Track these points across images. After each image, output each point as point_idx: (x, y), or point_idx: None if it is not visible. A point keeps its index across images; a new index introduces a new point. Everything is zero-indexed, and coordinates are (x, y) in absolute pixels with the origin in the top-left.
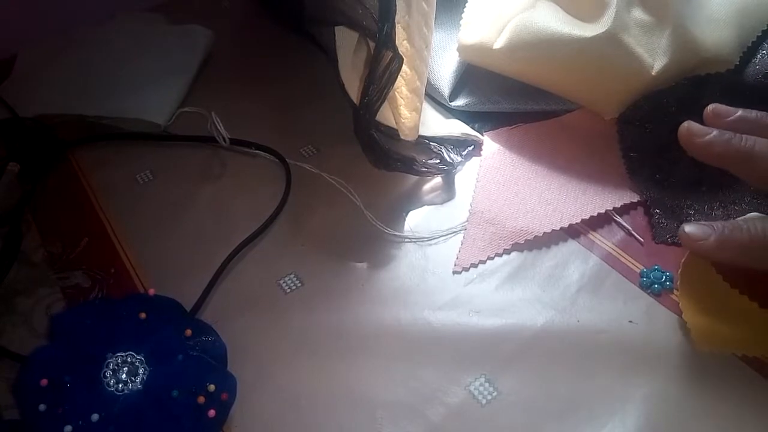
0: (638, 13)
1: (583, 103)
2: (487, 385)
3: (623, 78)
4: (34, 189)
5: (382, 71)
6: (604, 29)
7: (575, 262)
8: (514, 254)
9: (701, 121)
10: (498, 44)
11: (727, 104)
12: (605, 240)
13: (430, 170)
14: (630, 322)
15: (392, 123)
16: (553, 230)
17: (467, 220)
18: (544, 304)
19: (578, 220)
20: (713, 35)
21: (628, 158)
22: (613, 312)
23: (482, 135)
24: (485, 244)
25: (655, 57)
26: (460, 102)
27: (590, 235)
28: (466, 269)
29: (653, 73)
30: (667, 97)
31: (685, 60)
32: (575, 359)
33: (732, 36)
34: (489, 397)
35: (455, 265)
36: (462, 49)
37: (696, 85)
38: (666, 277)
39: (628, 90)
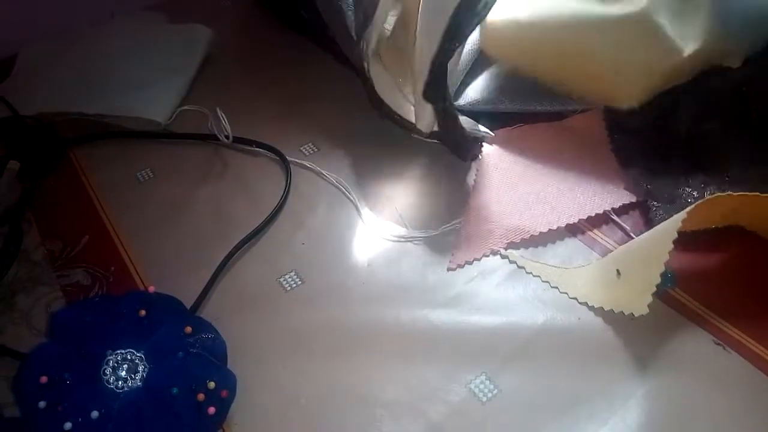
0: None
1: (602, 93)
2: (487, 383)
3: (652, 60)
4: (34, 187)
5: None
6: (638, 8)
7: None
8: (514, 252)
9: (688, 120)
10: (525, 20)
11: (713, 101)
12: (607, 238)
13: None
14: (632, 320)
15: (412, 117)
16: (549, 230)
17: (463, 218)
18: (545, 302)
19: (575, 220)
20: (739, 24)
21: (620, 155)
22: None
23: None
24: (481, 242)
25: (686, 41)
26: (463, 102)
27: (592, 234)
28: (461, 266)
29: (683, 57)
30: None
31: (714, 46)
32: (576, 357)
33: (755, 28)
34: (489, 395)
35: (450, 262)
36: (485, 32)
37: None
38: (668, 276)
39: (656, 73)
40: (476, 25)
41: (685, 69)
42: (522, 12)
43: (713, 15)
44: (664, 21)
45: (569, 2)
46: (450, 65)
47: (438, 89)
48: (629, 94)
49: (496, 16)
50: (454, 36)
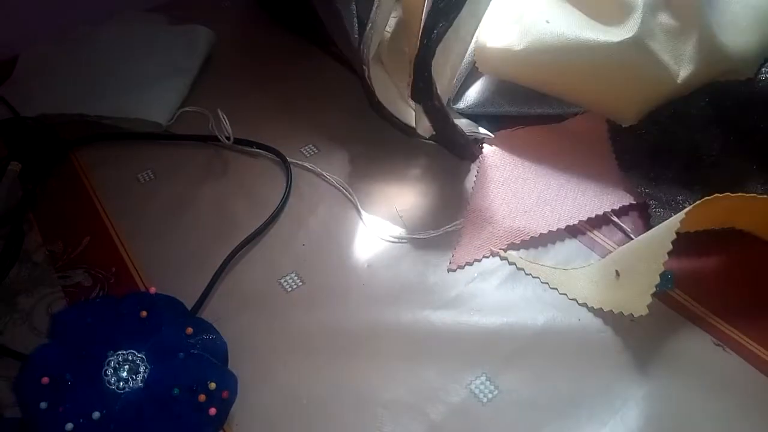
0: (664, 19)
1: (601, 110)
2: (488, 383)
3: (648, 85)
4: (35, 188)
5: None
6: (631, 35)
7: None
8: (514, 253)
9: (690, 130)
10: (519, 47)
11: (714, 113)
12: (607, 239)
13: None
14: (631, 320)
15: (411, 121)
16: (549, 231)
17: (464, 219)
18: (545, 302)
19: (575, 221)
20: (737, 43)
21: (622, 159)
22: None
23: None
24: (481, 243)
25: (681, 64)
26: (462, 105)
27: (592, 235)
28: (461, 267)
29: (679, 81)
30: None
31: (710, 68)
32: (576, 358)
33: (754, 44)
34: (490, 396)
35: (450, 263)
36: (480, 52)
37: (687, 95)
38: (667, 277)
39: (652, 97)
40: (450, 22)
41: (683, 89)
42: (514, 39)
43: (709, 36)
44: (658, 46)
45: (561, 29)
46: (440, 65)
47: (423, 88)
48: (627, 114)
49: (489, 42)
50: (428, 33)
